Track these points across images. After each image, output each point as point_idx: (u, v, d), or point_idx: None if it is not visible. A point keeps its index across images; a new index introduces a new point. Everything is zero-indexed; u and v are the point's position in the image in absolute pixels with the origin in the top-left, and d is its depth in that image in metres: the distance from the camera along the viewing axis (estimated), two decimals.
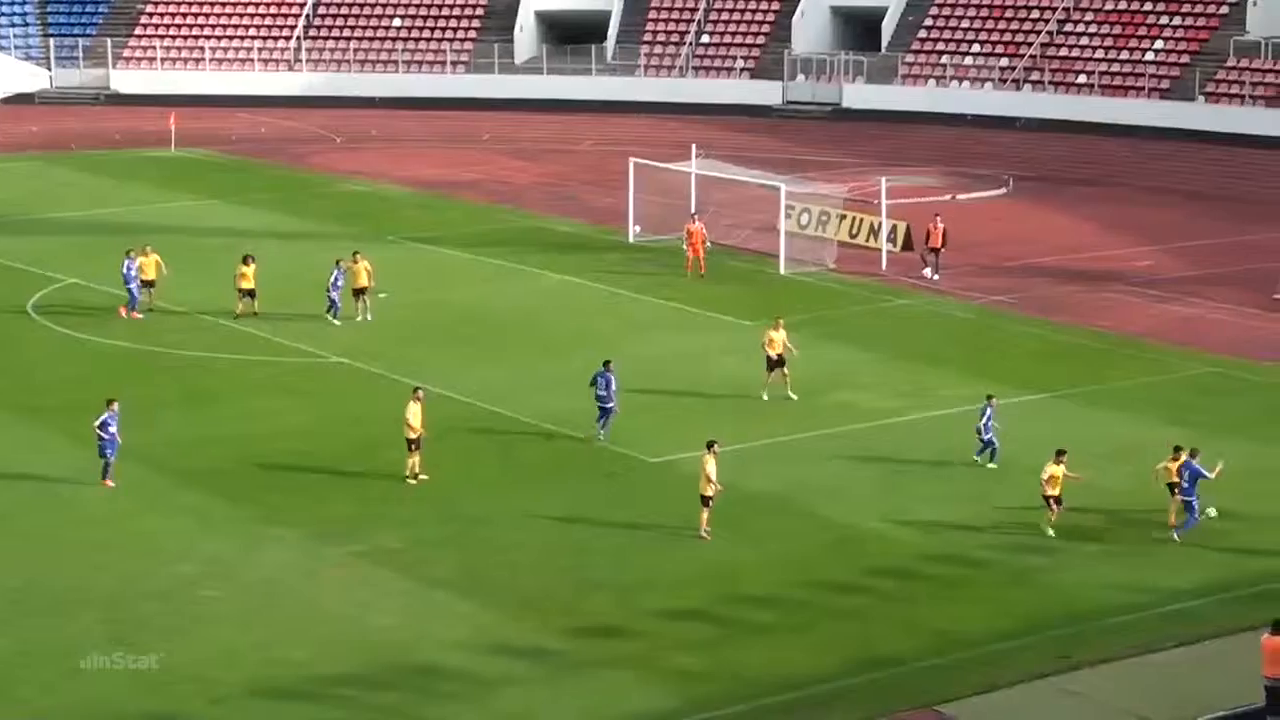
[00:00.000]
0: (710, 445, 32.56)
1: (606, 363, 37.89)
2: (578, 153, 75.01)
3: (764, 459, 36.56)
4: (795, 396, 39.95)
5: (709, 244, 52.91)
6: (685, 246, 52.75)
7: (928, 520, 33.24)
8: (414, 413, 35.10)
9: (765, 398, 40.07)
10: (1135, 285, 51.34)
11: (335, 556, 31.61)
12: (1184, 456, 32.40)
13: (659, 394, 40.79)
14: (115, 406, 34.72)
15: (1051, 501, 32.40)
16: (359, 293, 47.15)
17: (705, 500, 32.35)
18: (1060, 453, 32.67)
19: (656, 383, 41.61)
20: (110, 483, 34.46)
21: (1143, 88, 75.32)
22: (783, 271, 52.94)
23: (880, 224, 55.36)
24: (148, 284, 48.06)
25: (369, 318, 46.98)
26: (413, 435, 35.06)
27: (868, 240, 55.64)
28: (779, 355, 40.21)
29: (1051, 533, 32.25)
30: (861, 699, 26.46)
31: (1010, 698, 26.42)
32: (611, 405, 37.50)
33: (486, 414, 39.64)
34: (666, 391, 40.89)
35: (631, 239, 57.17)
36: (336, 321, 46.60)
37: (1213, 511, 32.42)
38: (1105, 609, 29.38)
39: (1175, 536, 32.10)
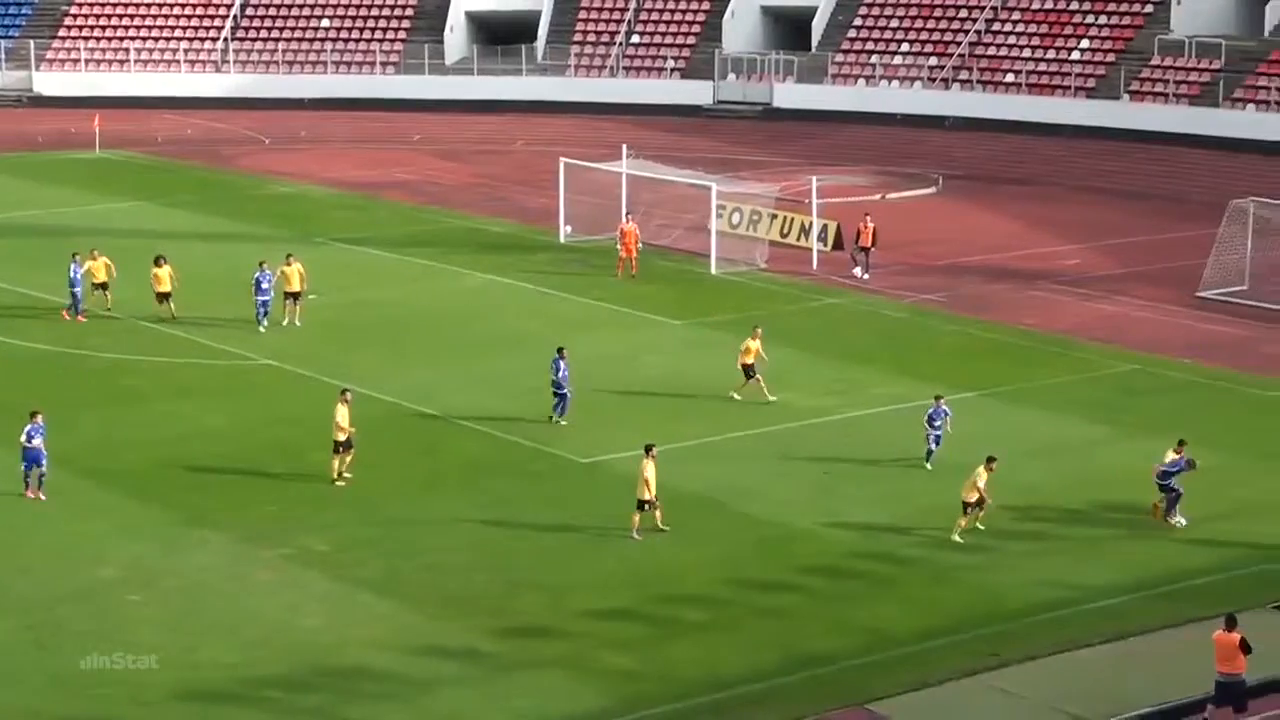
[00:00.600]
0: (649, 449, 32.41)
1: (560, 350, 38.63)
2: (508, 153, 74.80)
3: (695, 459, 36.49)
4: (774, 399, 39.75)
5: (642, 244, 52.83)
6: (619, 246, 52.66)
7: (858, 519, 33.25)
8: (342, 414, 34.89)
9: (737, 397, 39.92)
10: (1062, 283, 51.60)
11: (261, 559, 31.32)
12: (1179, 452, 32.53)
13: (589, 394, 40.63)
14: (40, 418, 34.09)
15: (967, 507, 32.30)
16: (290, 296, 46.74)
17: (641, 505, 32.17)
18: (990, 459, 32.60)
19: (587, 382, 41.45)
20: (36, 495, 33.76)
21: (1069, 87, 75.75)
22: (714, 271, 52.93)
23: (811, 223, 55.45)
24: (100, 286, 47.43)
25: (297, 323, 46.56)
26: (341, 437, 34.82)
27: (798, 240, 55.70)
28: (753, 363, 40.00)
29: (957, 538, 32.11)
30: (792, 698, 26.43)
31: (940, 695, 26.45)
32: (565, 391, 38.37)
33: (414, 415, 39.42)
34: (596, 391, 40.76)
35: (562, 239, 57.04)
36: (262, 328, 45.97)
37: (1183, 521, 32.45)
38: (1033, 606, 29.46)
39: (1182, 522, 32.34)
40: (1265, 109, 70.69)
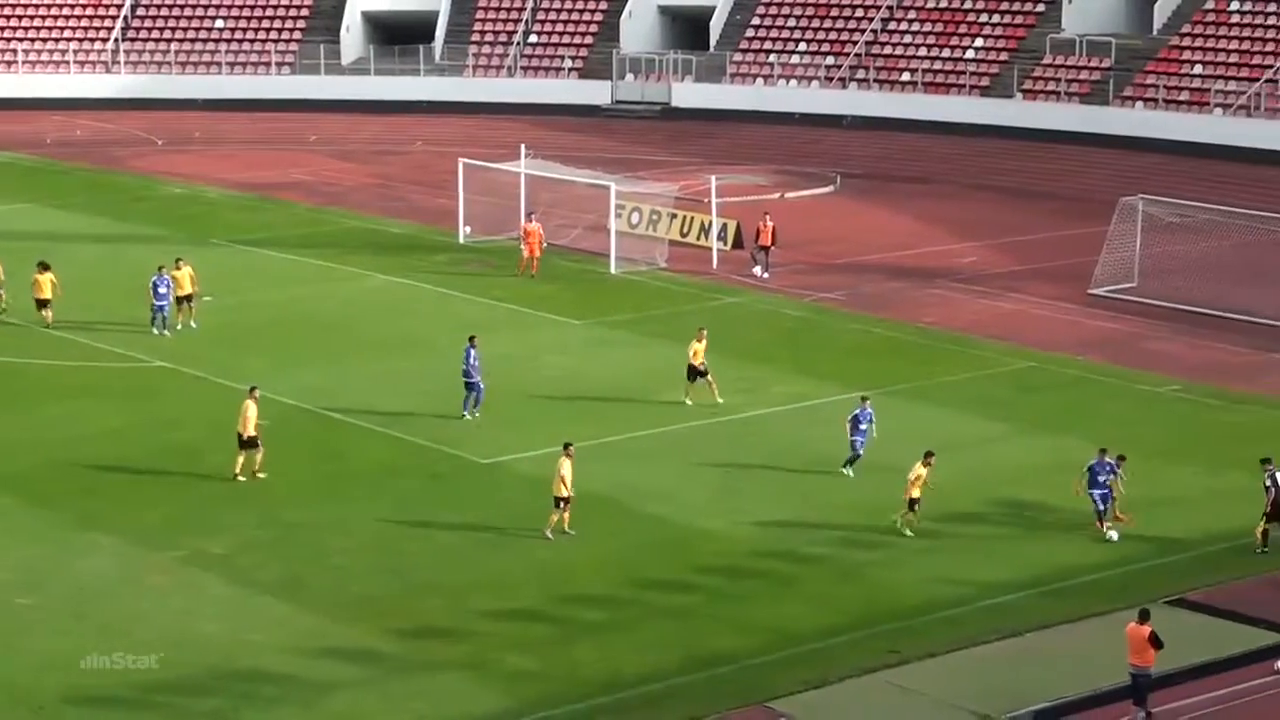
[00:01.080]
0: (566, 447, 32.25)
1: (471, 338, 38.81)
2: (406, 154, 74.39)
3: (596, 458, 36.37)
4: (722, 400, 39.66)
5: (546, 244, 52.73)
6: (521, 245, 52.53)
7: (759, 518, 33.30)
8: (251, 410, 34.68)
9: (689, 403, 39.66)
10: (959, 281, 51.96)
11: (155, 562, 30.96)
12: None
13: (489, 394, 40.47)
14: None
15: (913, 504, 32.41)
16: (182, 299, 46.14)
17: (557, 502, 31.99)
18: (928, 454, 32.74)
19: (487, 382, 41.29)
20: None
21: (964, 86, 76.36)
22: (613, 271, 52.89)
23: (710, 223, 55.53)
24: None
25: (193, 324, 46.01)
26: (246, 434, 34.47)
27: (698, 239, 55.76)
28: (702, 364, 39.89)
29: (909, 533, 32.30)
30: (694, 697, 26.43)
31: (841, 693, 26.54)
32: (475, 380, 38.32)
33: (312, 416, 39.10)
34: (497, 391, 40.59)
35: (462, 239, 56.80)
36: (164, 333, 45.21)
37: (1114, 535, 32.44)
38: (931, 603, 29.62)
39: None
40: (1154, 107, 71.59)
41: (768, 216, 53.30)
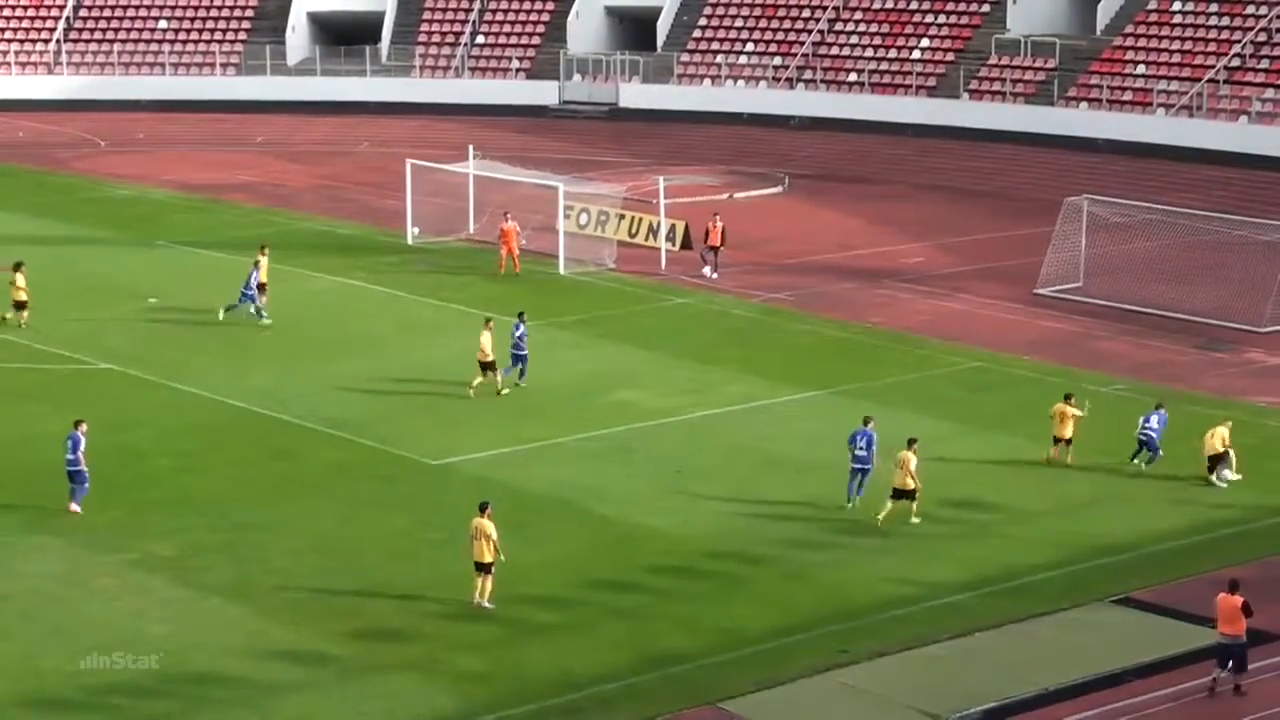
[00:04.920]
0: (483, 509, 29.43)
1: (520, 314, 41.39)
2: (354, 155, 74.20)
3: (544, 460, 36.44)
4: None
5: (524, 241, 52.85)
6: (500, 245, 52.59)
7: (709, 518, 33.37)
8: (486, 340, 39.51)
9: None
10: (907, 281, 52.21)
11: (103, 565, 30.80)
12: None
13: (438, 396, 40.49)
14: None
15: (914, 494, 32.52)
16: (19, 306, 45.79)
17: (487, 568, 29.44)
18: (911, 441, 32.92)
19: (436, 384, 41.29)
20: None
21: (910, 86, 76.69)
22: (562, 272, 52.90)
23: (659, 223, 55.62)
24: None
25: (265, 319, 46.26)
26: (484, 359, 39.59)
27: (647, 239, 55.83)
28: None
29: (916, 519, 32.52)
30: (644, 698, 26.47)
31: (791, 693, 26.63)
32: (524, 352, 40.47)
33: (261, 418, 38.97)
34: (446, 393, 40.58)
35: (410, 240, 56.70)
36: (266, 319, 46.08)
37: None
38: (881, 603, 29.74)
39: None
40: (1098, 107, 72.07)
41: (717, 217, 53.43)
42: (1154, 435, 35.51)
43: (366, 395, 40.61)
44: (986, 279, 52.17)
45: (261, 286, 47.06)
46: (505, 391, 40.23)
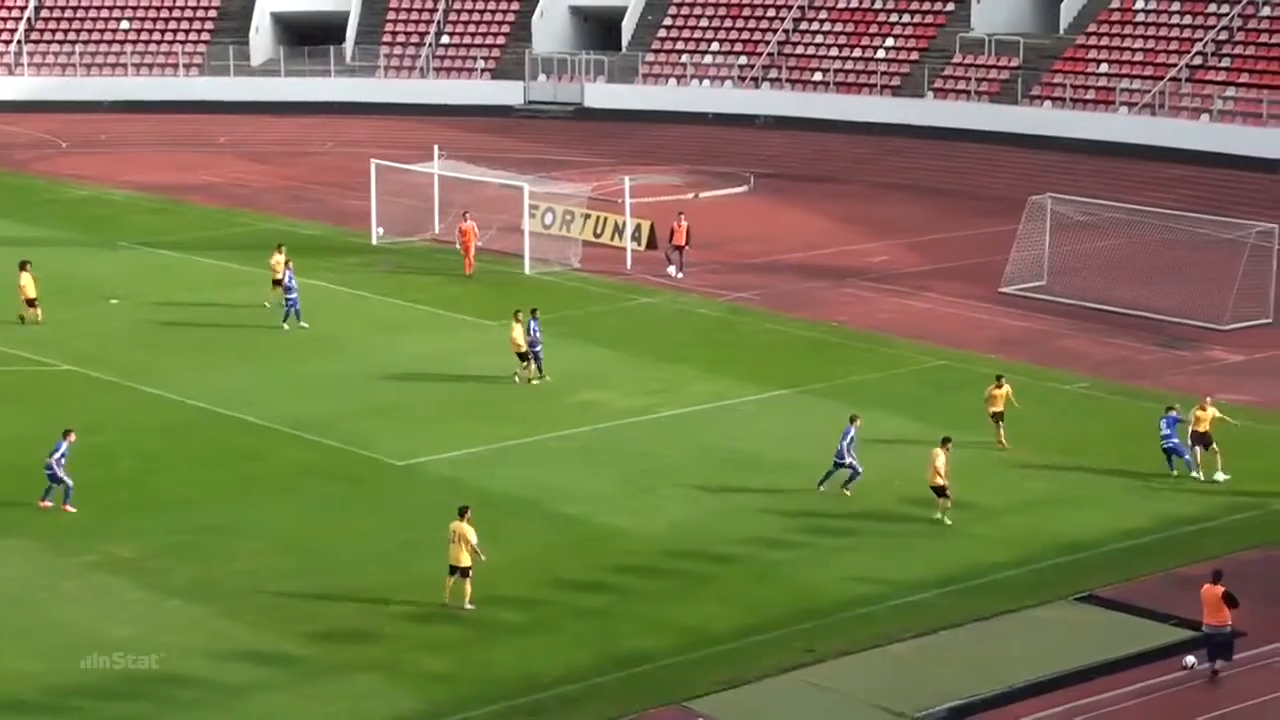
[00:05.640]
0: (463, 512, 29.55)
1: (534, 310, 41.73)
2: (319, 155, 73.98)
3: (511, 460, 36.40)
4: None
5: (480, 243, 52.79)
6: (459, 245, 52.51)
7: (675, 517, 33.38)
8: (518, 332, 40.60)
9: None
10: (872, 280, 52.28)
11: (66, 567, 30.67)
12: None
13: (404, 396, 40.41)
14: None
15: (940, 491, 32.72)
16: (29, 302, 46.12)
17: (463, 571, 29.34)
18: (946, 440, 33.19)
19: (402, 385, 41.24)
20: None
21: (875, 85, 76.79)
22: (528, 272, 52.84)
23: (624, 223, 55.59)
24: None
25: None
26: (519, 350, 40.72)
27: (612, 239, 55.81)
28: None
29: (948, 520, 32.66)
30: (610, 697, 26.45)
31: (757, 692, 26.64)
32: (539, 349, 41.19)
33: (225, 419, 38.83)
34: (411, 393, 40.50)
35: (375, 241, 56.57)
36: (302, 324, 45.98)
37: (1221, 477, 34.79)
38: (846, 601, 29.77)
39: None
40: (1061, 105, 72.27)
41: (682, 216, 53.43)
42: (1175, 440, 35.34)
43: (332, 396, 40.51)
44: (951, 278, 52.29)
45: (276, 283, 47.08)
46: (535, 381, 41.14)
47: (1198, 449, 35.18)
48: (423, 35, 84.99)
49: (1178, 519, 33.45)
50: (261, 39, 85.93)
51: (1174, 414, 35.56)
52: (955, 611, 29.33)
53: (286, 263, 47.30)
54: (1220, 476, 35.04)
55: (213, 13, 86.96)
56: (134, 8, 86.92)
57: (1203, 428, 35.30)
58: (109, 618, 28.72)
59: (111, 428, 37.65)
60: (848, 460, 34.04)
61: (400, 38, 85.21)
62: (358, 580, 30.33)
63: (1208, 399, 36.13)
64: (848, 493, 34.10)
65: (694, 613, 29.29)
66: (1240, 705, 26.00)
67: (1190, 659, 27.03)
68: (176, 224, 60.18)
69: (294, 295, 46.27)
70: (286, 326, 45.96)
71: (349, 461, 36.24)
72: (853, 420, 34.54)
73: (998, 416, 37.27)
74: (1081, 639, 28.27)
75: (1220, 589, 26.59)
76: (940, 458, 32.90)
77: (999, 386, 37.46)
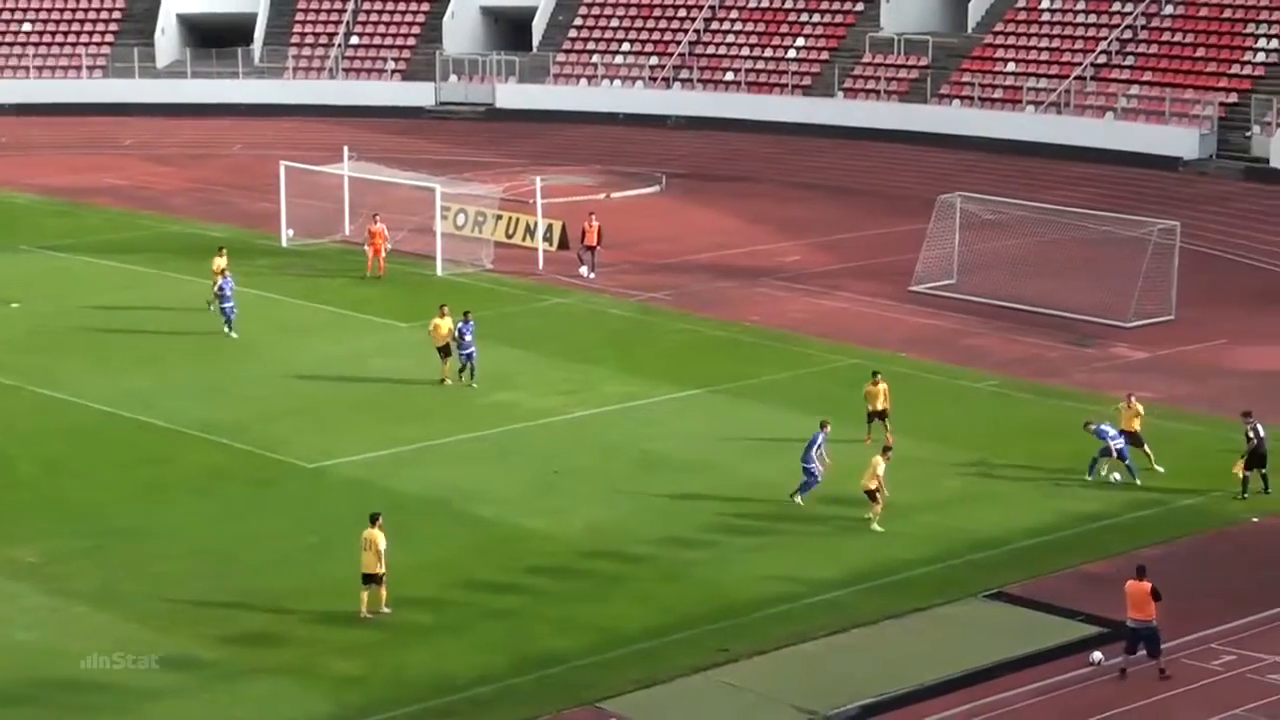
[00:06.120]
0: (375, 519, 29.10)
1: (465, 314, 41.23)
2: (227, 157, 73.34)
3: (420, 461, 36.20)
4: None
5: (390, 245, 52.41)
6: (367, 246, 52.14)
7: (586, 518, 33.29)
8: (446, 325, 40.51)
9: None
10: (784, 280, 52.37)
11: None
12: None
13: (314, 398, 40.09)
14: None
15: (873, 495, 32.56)
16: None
17: (377, 579, 29.06)
18: (886, 449, 33.17)
19: (311, 387, 40.93)
20: None
21: (786, 85, 77.05)
22: (440, 273, 52.60)
23: (536, 223, 55.45)
24: None
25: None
26: (440, 344, 40.64)
27: (524, 240, 55.66)
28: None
29: (878, 527, 32.51)
30: (523, 699, 26.34)
31: (670, 692, 26.61)
32: (472, 351, 40.75)
33: (130, 423, 38.40)
34: (321, 396, 40.19)
35: (285, 243, 56.13)
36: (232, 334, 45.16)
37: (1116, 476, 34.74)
38: (759, 601, 29.78)
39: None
40: (969, 104, 72.77)
41: (593, 217, 53.35)
42: (1123, 444, 34.81)
43: (241, 398, 40.15)
44: (862, 277, 52.49)
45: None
46: (464, 384, 40.86)
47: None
48: (331, 36, 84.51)
49: (1085, 516, 33.69)
50: (167, 41, 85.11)
51: (1104, 425, 35.04)
52: (868, 609, 29.41)
53: (224, 270, 46.54)
54: (1159, 469, 35.29)
55: (117, 14, 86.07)
56: (36, 9, 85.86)
57: (1134, 426, 35.48)
58: (11, 623, 28.32)
59: (11, 431, 37.15)
60: (810, 466, 33.58)
61: (309, 39, 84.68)
62: (267, 583, 30.06)
63: (1132, 397, 36.27)
64: (799, 500, 33.65)
65: (607, 613, 29.23)
66: (1146, 701, 26.20)
67: (1097, 655, 27.15)
68: (80, 227, 59.47)
69: (230, 304, 45.48)
70: (235, 334, 45.16)
71: (259, 464, 35.92)
72: (822, 426, 34.10)
73: (877, 415, 37.04)
74: (991, 636, 28.42)
75: (1148, 584, 26.69)
76: (880, 466, 32.86)
77: (875, 384, 37.38)
